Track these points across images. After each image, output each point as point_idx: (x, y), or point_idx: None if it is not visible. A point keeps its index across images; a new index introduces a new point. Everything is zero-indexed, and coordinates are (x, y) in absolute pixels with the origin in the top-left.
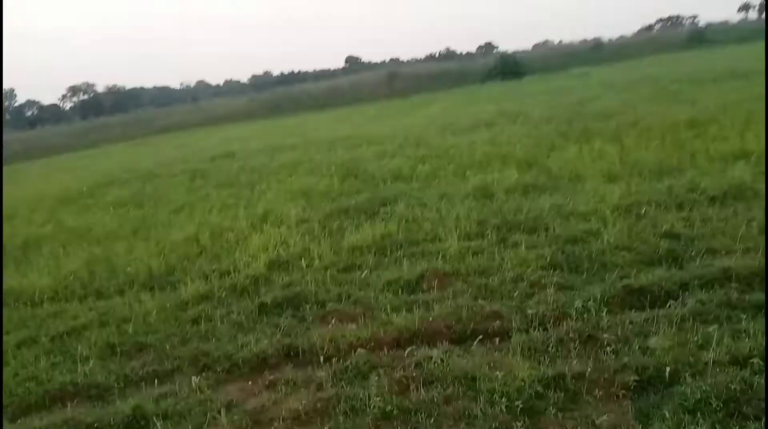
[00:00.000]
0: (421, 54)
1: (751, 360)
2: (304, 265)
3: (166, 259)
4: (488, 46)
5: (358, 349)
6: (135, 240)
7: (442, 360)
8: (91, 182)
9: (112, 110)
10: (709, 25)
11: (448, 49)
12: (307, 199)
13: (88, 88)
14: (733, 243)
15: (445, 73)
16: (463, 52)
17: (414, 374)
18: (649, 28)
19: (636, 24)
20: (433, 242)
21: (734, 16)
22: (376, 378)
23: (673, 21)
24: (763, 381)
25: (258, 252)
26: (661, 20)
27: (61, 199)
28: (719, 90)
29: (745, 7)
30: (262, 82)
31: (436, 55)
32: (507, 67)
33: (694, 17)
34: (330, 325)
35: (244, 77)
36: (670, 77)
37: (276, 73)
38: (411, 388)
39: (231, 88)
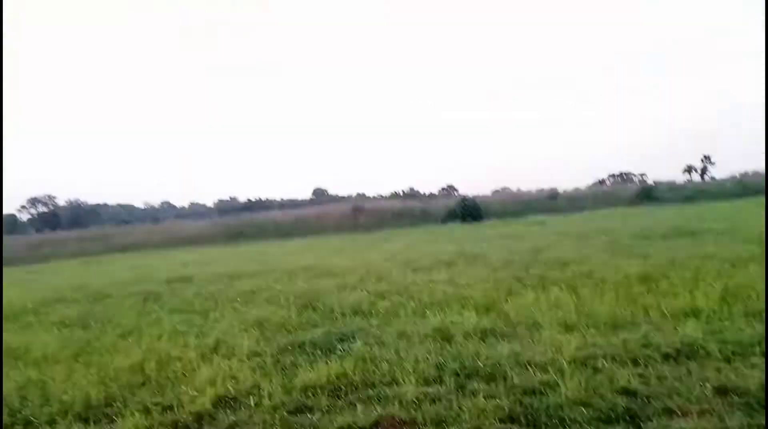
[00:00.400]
0: (385, 191)
1: None
2: (253, 404)
3: (106, 388)
4: (450, 188)
5: None
6: (76, 364)
7: None
8: (37, 298)
9: (70, 225)
10: (657, 183)
11: (411, 189)
12: (262, 330)
13: (48, 200)
14: (688, 404)
15: (408, 211)
16: (426, 193)
17: None
18: (602, 182)
19: (589, 178)
20: (390, 386)
21: (679, 177)
22: None
23: (624, 177)
24: None
25: (205, 386)
26: (612, 176)
27: (2, 315)
28: (668, 246)
29: (689, 169)
30: (228, 207)
31: (401, 193)
32: (467, 210)
33: (643, 175)
34: None
35: (209, 201)
36: (622, 231)
37: (242, 199)
38: None
39: (195, 211)
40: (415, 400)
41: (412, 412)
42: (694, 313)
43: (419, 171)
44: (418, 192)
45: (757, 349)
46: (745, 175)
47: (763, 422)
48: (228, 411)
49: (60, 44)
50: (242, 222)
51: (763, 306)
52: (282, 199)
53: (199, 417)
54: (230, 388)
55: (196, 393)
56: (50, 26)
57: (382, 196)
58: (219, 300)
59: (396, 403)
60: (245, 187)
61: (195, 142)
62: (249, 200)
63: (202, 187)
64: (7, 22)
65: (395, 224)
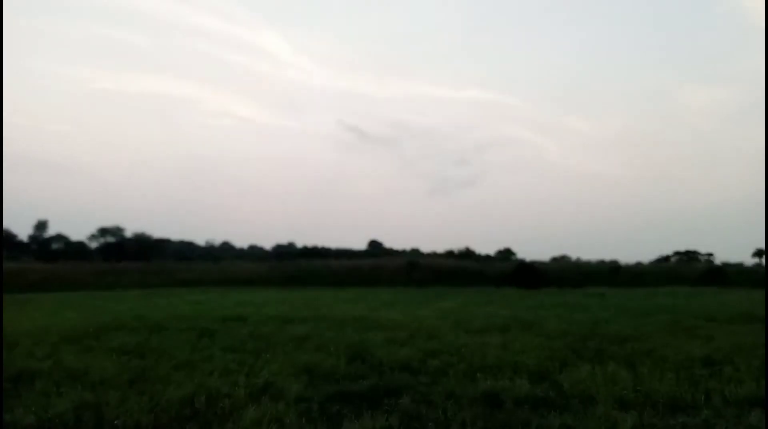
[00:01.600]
0: (440, 248)
1: None
2: None
3: (156, 417)
4: (507, 251)
5: None
6: (130, 391)
7: None
8: (99, 324)
9: (134, 256)
10: (725, 265)
11: (467, 248)
12: (311, 376)
13: (117, 231)
14: None
15: (462, 270)
16: (482, 253)
17: None
18: (666, 259)
19: (653, 253)
20: None
21: (748, 260)
22: None
23: (690, 255)
24: None
25: (251, 426)
26: (678, 253)
27: (66, 337)
28: (734, 331)
29: (759, 253)
30: (285, 252)
31: (456, 252)
32: (524, 275)
33: (710, 254)
34: None
35: (267, 244)
36: (686, 311)
37: (299, 245)
38: None
39: (254, 253)
40: None
41: None
42: (760, 403)
43: (476, 231)
44: (473, 252)
45: None
46: None
47: None
48: None
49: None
50: (298, 267)
51: None
52: (338, 248)
53: None
54: None
55: None
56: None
57: (437, 252)
58: (271, 342)
59: None
60: (303, 234)
61: (255, 185)
62: (306, 247)
63: (261, 230)
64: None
65: (449, 283)
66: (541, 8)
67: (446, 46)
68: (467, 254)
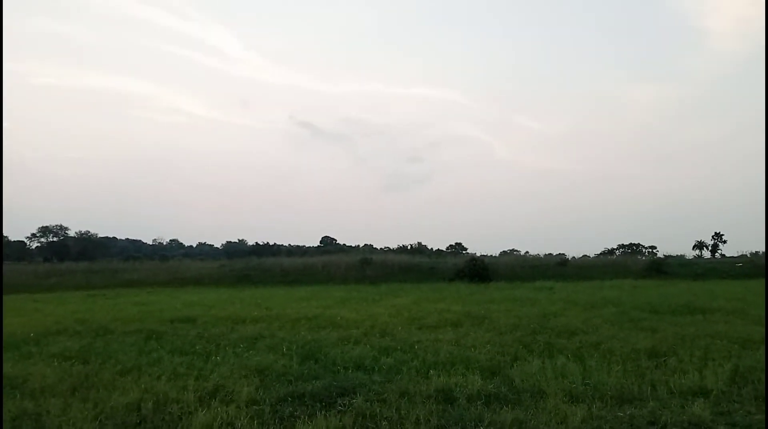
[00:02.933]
0: (393, 244)
1: None
2: None
3: (101, 425)
4: (458, 246)
5: None
6: (72, 399)
7: None
8: (40, 329)
9: (78, 256)
10: (667, 257)
11: (420, 244)
12: (263, 377)
13: (59, 230)
14: None
15: (416, 266)
16: (434, 248)
17: None
18: (611, 252)
19: (599, 247)
20: None
21: (689, 252)
22: None
23: (634, 248)
24: None
25: None
26: (622, 246)
27: (4, 343)
28: (677, 323)
29: (700, 246)
30: (235, 250)
31: (409, 247)
32: (475, 270)
33: (653, 247)
34: None
35: (217, 242)
36: (631, 303)
37: (251, 242)
38: None
39: (203, 251)
40: None
41: None
42: (703, 392)
43: (427, 227)
44: (426, 247)
45: None
46: (756, 254)
47: None
48: None
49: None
50: (249, 265)
51: None
52: (290, 245)
53: None
54: None
55: None
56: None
57: (390, 248)
58: (221, 344)
59: None
60: (254, 231)
61: (205, 183)
62: (257, 243)
63: (211, 228)
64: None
65: (402, 278)
66: (492, 9)
67: (399, 44)
68: (419, 250)
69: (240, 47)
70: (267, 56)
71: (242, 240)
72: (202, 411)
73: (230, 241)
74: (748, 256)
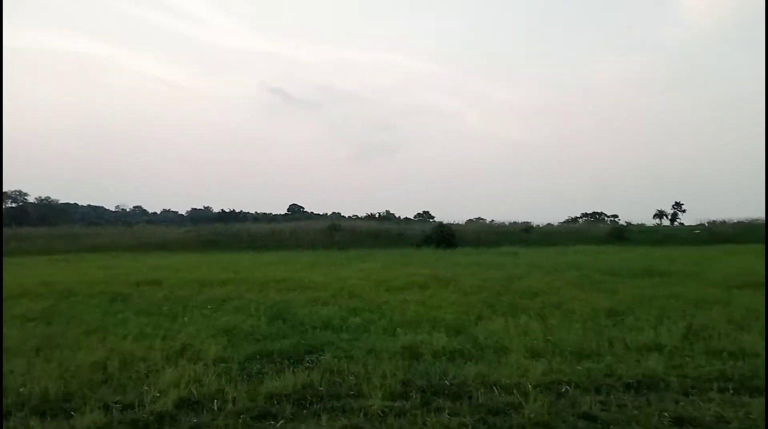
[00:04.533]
0: (362, 212)
1: None
2: (216, 408)
3: (66, 384)
4: (426, 214)
5: None
6: (36, 359)
7: None
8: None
9: (38, 222)
10: (628, 224)
11: (387, 212)
12: (230, 337)
13: (18, 196)
14: None
15: (384, 232)
16: (402, 216)
17: None
18: (575, 220)
19: (563, 215)
20: (356, 398)
21: (650, 221)
22: None
23: (597, 217)
24: None
25: (168, 387)
26: (585, 215)
27: None
28: (636, 285)
29: (660, 214)
30: (201, 217)
31: (377, 215)
32: (442, 236)
33: (615, 216)
34: None
35: (182, 209)
36: (593, 267)
37: (216, 209)
38: None
39: (167, 217)
40: (380, 413)
41: (377, 424)
42: (657, 348)
43: (395, 196)
44: (393, 215)
45: (715, 385)
46: (713, 223)
47: None
48: (190, 413)
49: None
50: (215, 231)
51: (724, 345)
52: (256, 213)
53: (160, 417)
54: (194, 391)
55: (158, 394)
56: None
57: (358, 217)
58: (188, 305)
59: (361, 415)
60: (220, 199)
61: (170, 149)
62: (223, 211)
63: (176, 195)
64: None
65: (370, 244)
66: None
67: (374, 11)
68: (387, 217)
69: (210, 11)
70: (237, 21)
71: (208, 207)
72: (169, 369)
73: (195, 208)
74: (706, 224)
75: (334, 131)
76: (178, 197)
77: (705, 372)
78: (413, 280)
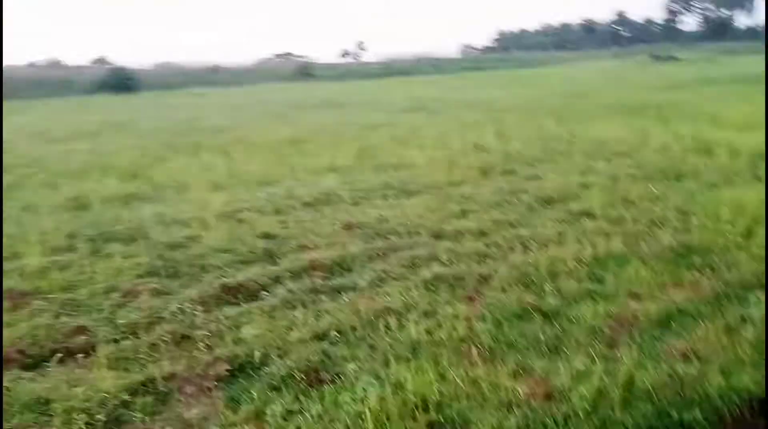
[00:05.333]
0: (20, 61)
1: (329, 333)
2: None
3: None
4: (102, 61)
5: None
6: None
7: (8, 389)
8: None
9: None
10: (315, 63)
11: (54, 59)
12: None
13: None
14: (320, 239)
15: (46, 81)
16: (74, 65)
17: None
18: (266, 61)
19: (254, 57)
20: (11, 260)
21: (338, 60)
22: None
23: (287, 57)
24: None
25: None
26: (276, 55)
27: None
28: (318, 115)
29: (345, 53)
30: None
31: (37, 64)
32: (119, 81)
33: (304, 56)
34: None
35: None
36: (278, 102)
37: None
38: None
39: None
40: (39, 270)
41: (36, 282)
42: (334, 169)
43: (66, 41)
44: (60, 62)
45: (379, 193)
46: (393, 60)
47: None
48: None
49: None
50: None
51: (388, 159)
52: None
53: None
54: None
55: None
56: None
57: (16, 65)
58: None
59: (16, 276)
60: None
61: None
62: None
63: None
64: None
65: (30, 96)
66: None
67: None
68: (54, 65)
69: None
70: None
71: None
72: None
73: None
74: (385, 61)
75: None
76: None
77: (372, 184)
78: (82, 128)
